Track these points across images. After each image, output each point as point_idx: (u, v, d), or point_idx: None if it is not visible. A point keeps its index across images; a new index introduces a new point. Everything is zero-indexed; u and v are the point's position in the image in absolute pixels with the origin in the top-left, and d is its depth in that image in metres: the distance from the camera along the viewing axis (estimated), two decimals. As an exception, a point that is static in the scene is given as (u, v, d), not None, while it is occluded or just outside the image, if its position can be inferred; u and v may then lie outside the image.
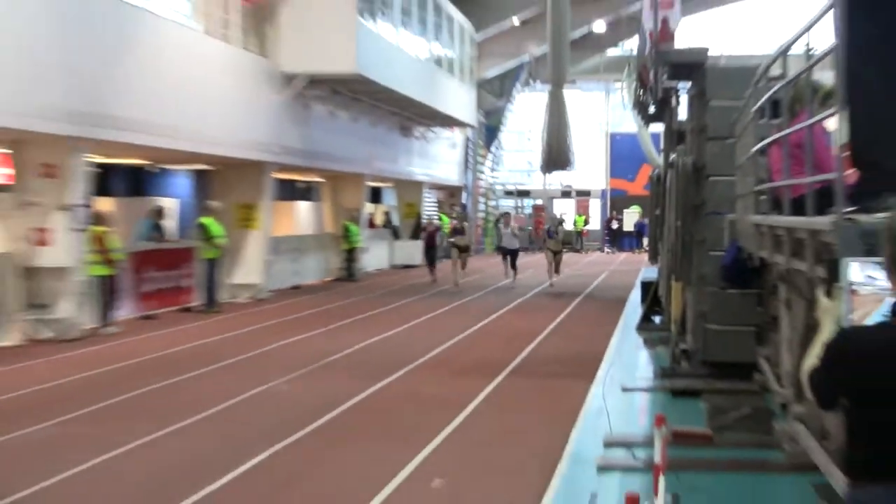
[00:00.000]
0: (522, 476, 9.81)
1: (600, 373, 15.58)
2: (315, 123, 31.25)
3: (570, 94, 29.76)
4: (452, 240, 31.28)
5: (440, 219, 48.39)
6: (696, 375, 14.32)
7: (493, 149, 58.64)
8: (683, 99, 16.98)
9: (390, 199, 47.27)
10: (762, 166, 10.57)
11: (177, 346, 18.84)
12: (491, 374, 15.65)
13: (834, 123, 6.90)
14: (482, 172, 57.25)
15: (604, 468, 10.06)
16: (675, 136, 17.36)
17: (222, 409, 13.10)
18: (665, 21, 22.60)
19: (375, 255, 39.96)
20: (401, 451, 10.72)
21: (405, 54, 34.67)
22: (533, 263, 35.54)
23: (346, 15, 28.16)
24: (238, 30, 26.20)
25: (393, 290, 31.21)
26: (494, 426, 12.29)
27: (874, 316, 5.10)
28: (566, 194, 61.15)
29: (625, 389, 14.34)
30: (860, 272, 5.74)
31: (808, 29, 7.94)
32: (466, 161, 53.49)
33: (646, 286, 21.77)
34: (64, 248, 19.34)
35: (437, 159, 48.11)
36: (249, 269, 28.09)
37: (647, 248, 37.64)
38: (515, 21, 46.96)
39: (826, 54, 7.24)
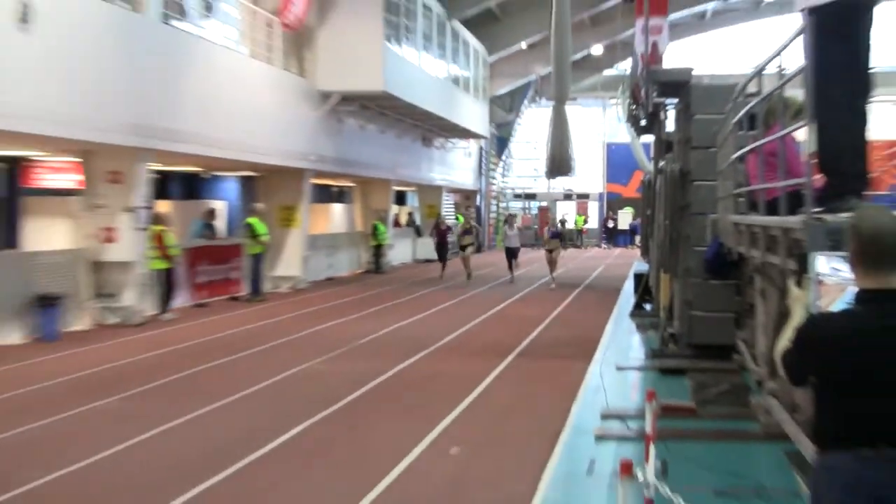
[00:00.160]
0: (529, 444, 9.81)
1: (597, 354, 15.59)
2: (347, 135, 31.26)
3: (571, 109, 29.55)
4: (462, 241, 31.06)
5: (457, 219, 48.38)
6: (682, 356, 14.31)
7: (503, 157, 58.71)
8: (671, 113, 16.93)
9: (413, 201, 47.26)
10: (740, 172, 10.55)
11: (226, 330, 18.88)
12: (501, 355, 15.65)
13: (803, 135, 6.89)
14: (494, 178, 57.25)
15: (601, 437, 10.07)
16: (664, 145, 17.32)
17: (266, 386, 13.14)
18: (655, 45, 22.56)
19: (400, 251, 39.96)
20: (423, 422, 10.72)
21: (426, 74, 34.64)
22: (537, 258, 35.36)
23: (374, 40, 28.19)
24: (280, 53, 26.20)
25: (415, 281, 31.18)
26: (505, 401, 12.29)
27: (838, 303, 5.09)
28: (568, 197, 61.12)
29: (619, 368, 14.34)
30: (826, 264, 5.72)
31: (780, 52, 7.92)
32: (480, 168, 53.45)
33: (638, 278, 21.77)
34: (128, 245, 19.40)
35: (455, 166, 48.08)
36: (289, 262, 28.12)
37: (639, 245, 37.59)
38: (523, 45, 46.91)
39: (796, 74, 7.23)
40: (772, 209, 8.46)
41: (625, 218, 59.12)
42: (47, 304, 17.42)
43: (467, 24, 40.33)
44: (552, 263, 28.63)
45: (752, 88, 9.94)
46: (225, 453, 9.40)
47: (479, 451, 9.68)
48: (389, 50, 29.16)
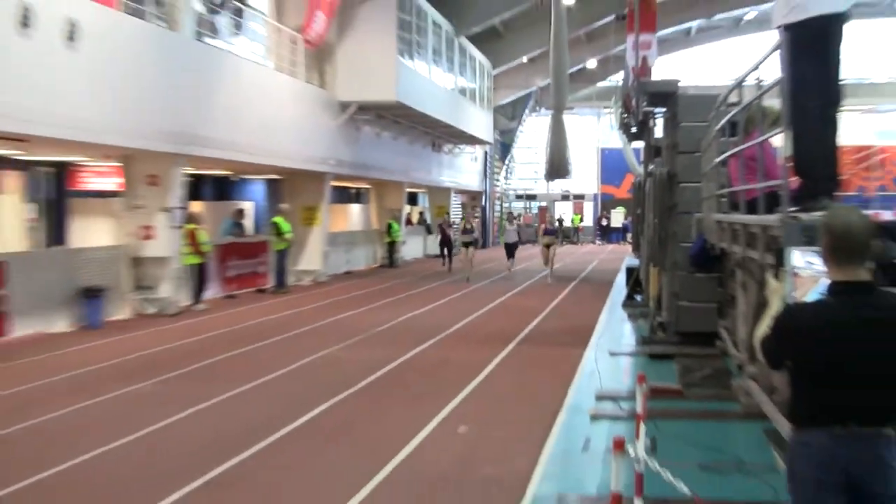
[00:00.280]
0: (530, 423, 9.82)
1: (592, 341, 15.60)
2: (364, 142, 31.25)
3: (568, 117, 29.54)
4: (463, 238, 30.65)
5: (462, 218, 48.33)
6: (669, 343, 14.31)
7: (506, 161, 58.66)
8: (659, 121, 16.92)
9: (424, 201, 47.27)
10: (723, 175, 10.55)
11: (253, 320, 18.90)
12: (504, 342, 15.66)
13: (780, 141, 6.89)
14: (498, 180, 57.19)
15: (595, 417, 10.07)
16: (653, 150, 17.29)
17: (290, 370, 13.16)
18: (644, 59, 22.54)
19: (412, 247, 39.96)
20: (432, 403, 10.74)
21: (436, 86, 34.62)
22: (537, 254, 35.31)
23: (388, 55, 28.21)
24: (302, 67, 26.21)
25: (425, 275, 31.15)
26: (508, 384, 12.29)
27: (812, 294, 5.09)
28: (565, 197, 61.07)
29: (612, 354, 14.35)
30: (801, 259, 5.72)
31: (758, 65, 7.91)
32: (485, 171, 53.41)
33: (629, 271, 21.76)
34: (164, 242, 19.43)
35: (462, 170, 48.04)
36: (311, 257, 28.14)
37: (630, 241, 37.52)
38: (524, 59, 46.84)
39: (773, 85, 7.23)
40: (751, 208, 8.46)
41: (617, 217, 59.10)
42: (92, 295, 17.49)
43: (473, 40, 40.29)
44: (549, 259, 28.35)
45: (733, 98, 9.94)
46: (254, 431, 9.43)
47: (484, 430, 9.69)
48: (402, 64, 29.16)
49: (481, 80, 43.95)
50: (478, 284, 27.24)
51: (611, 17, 38.15)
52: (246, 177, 31.31)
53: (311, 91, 26.93)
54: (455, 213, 46.65)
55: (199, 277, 20.88)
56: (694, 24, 49.58)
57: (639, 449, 5.65)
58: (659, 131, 17.10)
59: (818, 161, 7.01)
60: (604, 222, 60.38)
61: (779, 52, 6.87)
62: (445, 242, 33.00)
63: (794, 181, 6.95)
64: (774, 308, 4.43)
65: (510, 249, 30.96)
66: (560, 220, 56.15)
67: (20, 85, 14.41)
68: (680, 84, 14.99)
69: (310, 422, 10.02)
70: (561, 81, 26.30)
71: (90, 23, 15.87)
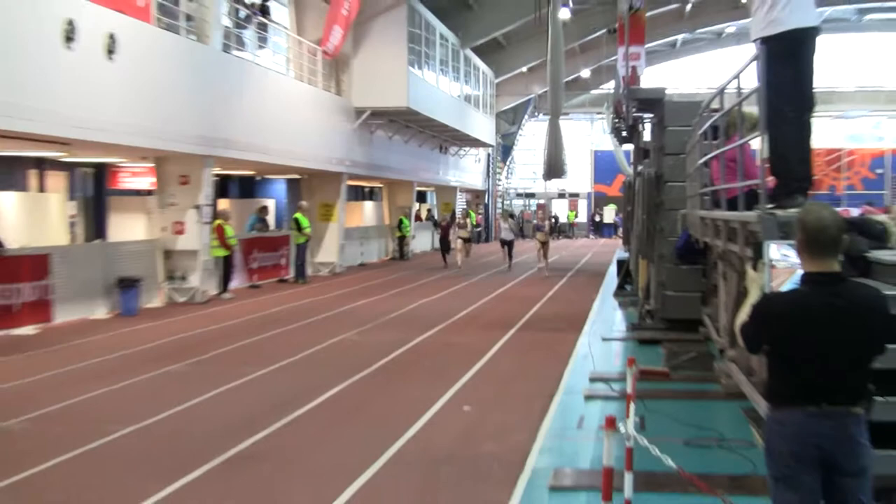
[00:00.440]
0: (529, 402, 9.82)
1: (586, 327, 15.58)
2: (377, 144, 31.24)
3: (564, 122, 29.53)
4: (460, 234, 29.78)
5: (468, 214, 48.19)
6: (657, 329, 14.32)
7: (507, 162, 58.61)
8: (647, 125, 16.90)
9: (432, 199, 47.26)
10: (706, 175, 10.53)
11: (275, 307, 18.92)
12: (505, 328, 15.66)
13: (758, 144, 6.87)
14: (499, 180, 57.13)
15: (589, 397, 10.07)
16: (642, 152, 17.28)
17: (309, 354, 13.18)
18: (634, 69, 22.49)
19: (421, 241, 39.98)
20: (440, 384, 10.75)
21: (443, 93, 34.59)
22: (533, 248, 35.24)
23: (399, 65, 28.19)
24: (321, 76, 26.19)
25: (432, 268, 31.02)
26: (509, 366, 12.30)
27: (788, 284, 5.07)
28: (561, 195, 60.88)
29: (605, 339, 14.33)
30: (778, 252, 5.71)
31: (738, 74, 7.91)
32: (488, 171, 53.37)
33: (620, 263, 21.72)
34: (194, 236, 19.43)
35: (466, 170, 48.01)
36: (328, 250, 28.13)
37: (621, 236, 37.47)
38: (524, 69, 46.80)
39: (752, 93, 7.21)
40: (732, 206, 8.45)
41: (609, 213, 58.91)
42: (128, 285, 17.51)
43: (477, 51, 40.24)
44: (543, 254, 27.63)
45: (715, 105, 9.93)
46: (277, 408, 9.45)
47: (487, 408, 9.70)
48: (412, 73, 29.14)
49: (484, 87, 43.91)
50: (479, 276, 27.21)
51: (603, 31, 38.16)
52: (269, 176, 31.35)
53: (328, 98, 26.92)
54: (460, 210, 46.64)
55: (225, 269, 20.88)
56: (679, 37, 49.55)
57: (629, 426, 5.64)
58: (647, 135, 17.10)
59: (793, 162, 7.00)
60: (596, 218, 60.27)
61: (756, 62, 6.86)
62: (444, 239, 32.48)
63: (771, 181, 6.94)
64: (753, 297, 4.43)
65: (507, 246, 30.17)
66: (555, 218, 56.05)
67: (65, 93, 14.44)
68: (666, 92, 15.02)
69: (328, 400, 10.04)
70: (557, 89, 26.27)
71: (128, 37, 15.88)
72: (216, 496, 6.71)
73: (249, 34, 23.12)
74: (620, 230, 41.43)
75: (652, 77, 38.06)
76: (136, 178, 24.71)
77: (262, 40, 24.11)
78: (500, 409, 9.67)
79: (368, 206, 39.29)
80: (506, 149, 56.94)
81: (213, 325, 16.18)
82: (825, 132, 48.48)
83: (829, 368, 3.91)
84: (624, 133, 19.79)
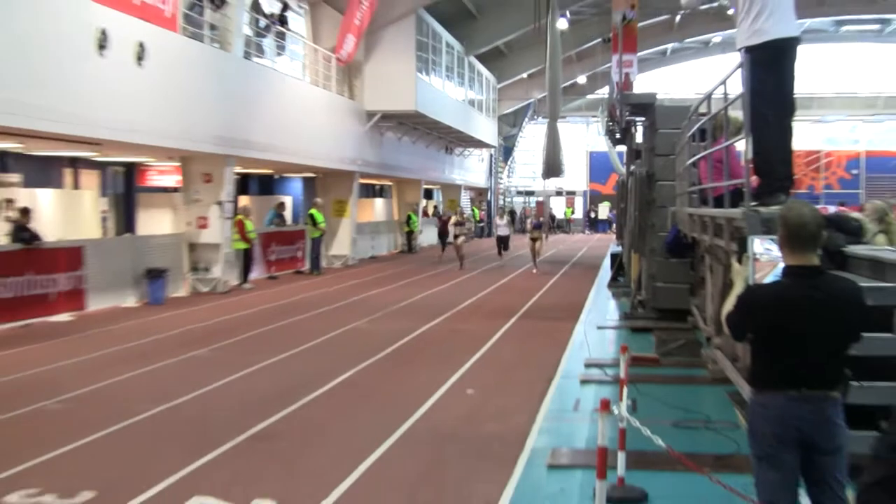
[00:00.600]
0: (529, 386, 9.84)
1: (582, 316, 15.59)
2: (387, 145, 31.23)
3: (561, 125, 29.48)
4: (457, 230, 27.91)
5: (472, 211, 48.25)
6: (648, 318, 14.30)
7: (508, 162, 58.57)
8: (639, 128, 16.88)
9: (438, 196, 47.24)
10: (694, 174, 10.53)
11: (292, 297, 18.95)
12: (506, 317, 15.68)
13: (743, 145, 6.88)
14: (501, 178, 57.11)
15: (585, 381, 10.08)
16: (634, 153, 17.26)
17: (325, 340, 13.21)
18: (627, 75, 22.50)
19: (428, 235, 39.85)
20: (445, 369, 10.77)
21: (449, 98, 34.55)
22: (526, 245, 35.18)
23: (408, 71, 28.16)
24: (334, 81, 26.18)
25: (438, 260, 31.07)
26: (510, 352, 12.32)
27: (770, 276, 5.09)
28: (559, 193, 60.68)
29: (599, 327, 14.34)
30: (761, 246, 5.72)
31: (724, 81, 7.90)
32: (490, 170, 53.32)
33: (614, 257, 21.71)
34: (217, 230, 19.47)
35: (470, 169, 47.98)
36: (341, 244, 28.14)
37: (614, 231, 37.43)
38: (524, 75, 46.71)
39: (737, 98, 7.22)
40: (718, 203, 8.46)
41: (603, 210, 58.84)
42: (155, 275, 17.55)
43: (481, 58, 40.17)
44: (535, 251, 26.26)
45: (702, 109, 9.92)
46: (294, 391, 9.48)
47: (489, 392, 9.72)
48: (420, 79, 29.11)
49: (487, 92, 43.85)
50: (483, 268, 27.20)
51: (598, 40, 38.13)
52: (286, 175, 31.38)
53: (341, 102, 26.91)
54: (465, 207, 46.63)
55: (246, 261, 20.92)
56: (669, 46, 49.39)
57: (622, 409, 5.66)
58: (639, 137, 17.07)
59: (775, 163, 7.01)
60: (592, 215, 60.12)
61: (741, 69, 6.86)
62: (443, 235, 31.86)
63: (755, 180, 6.95)
64: (738, 288, 4.45)
65: (502, 242, 29.22)
66: (552, 217, 55.99)
67: (97, 98, 14.48)
68: (657, 97, 14.97)
69: (342, 383, 10.07)
70: (555, 94, 26.25)
71: (156, 45, 15.90)
72: (239, 471, 6.75)
73: (269, 42, 23.11)
74: (614, 226, 41.47)
75: (644, 83, 38.08)
76: (163, 176, 24.75)
77: (281, 48, 24.10)
78: (501, 392, 9.69)
79: (379, 202, 39.29)
80: (507, 149, 56.90)
81: (234, 313, 16.22)
82: (805, 135, 48.43)
83: (809, 355, 3.93)
84: (617, 135, 19.82)
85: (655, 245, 14.06)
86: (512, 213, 54.25)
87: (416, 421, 8.30)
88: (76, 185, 22.04)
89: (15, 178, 18.56)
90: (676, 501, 5.95)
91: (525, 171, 60.71)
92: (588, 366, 10.89)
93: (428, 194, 45.58)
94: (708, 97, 9.32)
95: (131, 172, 24.35)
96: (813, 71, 46.85)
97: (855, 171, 53.70)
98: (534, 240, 26.17)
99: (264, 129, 20.93)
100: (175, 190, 21.68)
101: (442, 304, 17.59)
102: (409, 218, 35.42)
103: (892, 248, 6.92)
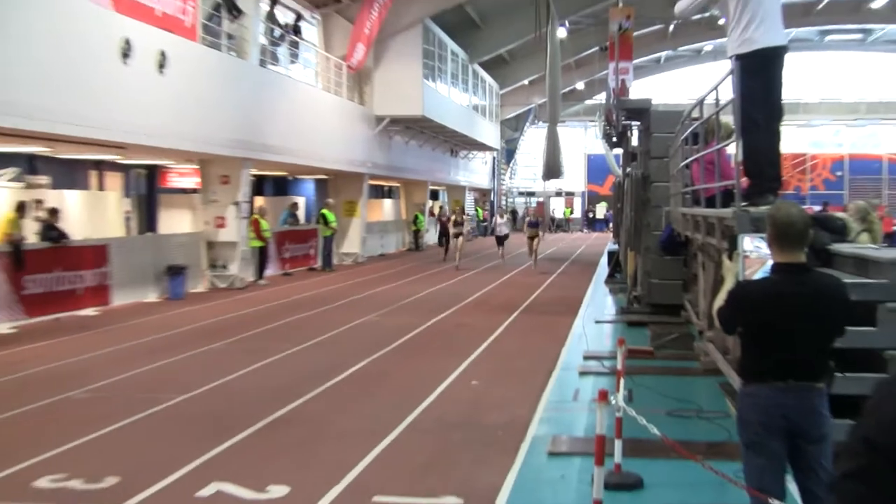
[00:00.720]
0: (530, 377, 9.84)
1: (581, 311, 15.59)
2: (395, 148, 31.25)
3: (561, 129, 29.41)
4: (455, 230, 27.38)
5: (476, 211, 48.25)
6: (643, 312, 14.29)
7: (510, 164, 58.53)
8: (635, 132, 16.86)
9: (444, 197, 47.21)
10: (687, 176, 10.53)
11: (305, 293, 18.97)
12: (508, 311, 15.68)
13: (733, 148, 6.88)
14: (503, 180, 57.09)
15: (583, 373, 10.08)
16: (630, 156, 17.23)
17: (336, 333, 13.23)
18: (623, 82, 22.47)
19: (434, 234, 39.87)
20: (451, 360, 10.78)
21: (453, 103, 34.54)
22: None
23: (415, 78, 28.18)
24: (345, 88, 26.19)
25: (443, 258, 31.00)
26: (512, 345, 12.32)
27: (759, 273, 5.09)
28: (559, 194, 60.66)
29: (597, 321, 14.33)
30: (751, 244, 5.72)
31: (715, 87, 7.91)
32: (493, 172, 53.30)
33: (611, 254, 21.71)
34: (234, 229, 19.49)
35: (474, 171, 47.96)
36: (352, 242, 28.18)
37: (611, 230, 37.38)
38: (526, 82, 46.65)
39: (727, 104, 7.21)
40: (710, 203, 8.45)
41: (601, 210, 58.79)
42: (176, 272, 17.59)
43: (484, 66, 40.14)
44: (532, 250, 25.51)
45: (695, 114, 9.92)
46: (309, 380, 9.50)
47: (492, 382, 9.73)
48: (427, 85, 29.11)
49: (490, 98, 43.82)
50: (484, 266, 27.17)
51: (595, 48, 38.05)
52: (299, 177, 31.38)
53: (352, 107, 26.92)
54: (468, 207, 46.62)
55: (261, 258, 20.95)
56: (663, 54, 49.38)
57: (618, 399, 5.67)
58: (635, 140, 17.05)
59: (764, 165, 7.01)
60: (590, 214, 60.07)
61: (732, 76, 6.86)
62: (444, 234, 31.33)
63: (745, 181, 6.95)
64: (729, 284, 4.45)
65: (501, 241, 27.94)
66: (552, 218, 56.01)
67: (121, 104, 14.51)
68: (652, 102, 14.96)
69: (354, 374, 10.09)
70: (555, 99, 26.25)
71: (176, 54, 15.93)
72: (255, 457, 6.77)
73: (283, 51, 23.14)
74: (611, 225, 41.43)
75: (639, 89, 37.89)
76: (182, 178, 24.78)
77: (294, 56, 24.12)
78: (504, 383, 9.70)
79: (387, 203, 39.30)
80: (509, 152, 56.86)
81: (250, 307, 16.24)
82: (792, 139, 48.37)
83: (796, 349, 3.93)
84: (614, 139, 19.77)
85: (650, 243, 14.05)
86: (514, 212, 54.25)
87: (424, 409, 8.31)
88: (101, 187, 22.08)
89: (44, 180, 18.60)
90: (670, 487, 5.96)
91: (526, 172, 60.64)
92: (586, 358, 10.88)
93: (434, 195, 45.54)
94: (700, 102, 9.31)
95: (153, 174, 24.39)
96: (799, 78, 46.89)
97: (839, 173, 53.79)
98: (531, 238, 25.61)
99: (279, 133, 20.95)
100: (194, 191, 21.70)
101: (447, 299, 17.59)
102: (416, 217, 35.46)
103: (874, 246, 6.91)
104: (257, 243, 20.63)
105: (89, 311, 15.20)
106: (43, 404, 8.54)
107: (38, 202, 15.98)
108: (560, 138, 26.76)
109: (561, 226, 58.39)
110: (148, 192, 24.40)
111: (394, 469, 6.50)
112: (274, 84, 21.23)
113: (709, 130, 8.83)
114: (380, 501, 5.77)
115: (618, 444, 6.01)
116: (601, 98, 40.67)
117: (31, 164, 18.54)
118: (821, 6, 40.43)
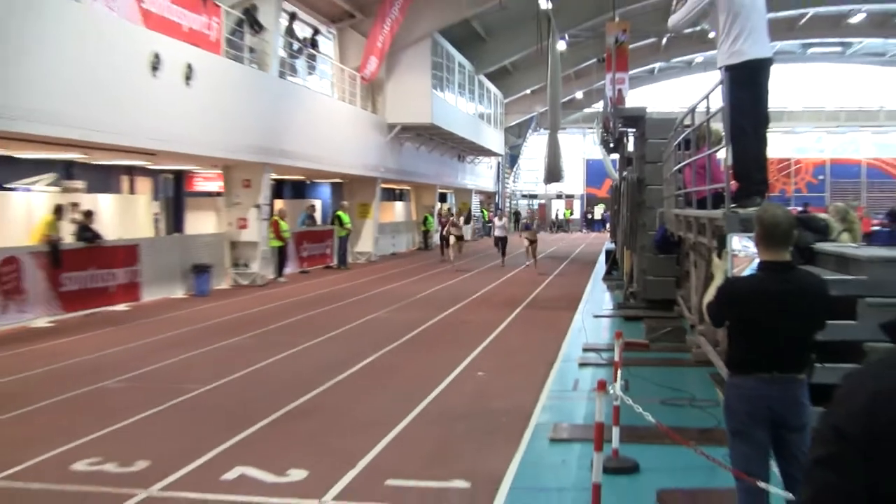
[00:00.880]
0: (532, 369, 9.85)
1: (580, 306, 15.57)
2: (406, 154, 31.24)
3: (561, 135, 29.37)
4: (454, 232, 26.34)
5: (482, 213, 48.21)
6: (639, 307, 14.28)
7: (514, 169, 58.47)
8: (631, 138, 16.84)
9: (452, 199, 47.16)
10: (679, 179, 10.52)
11: (321, 289, 18.99)
12: (511, 307, 15.67)
13: (723, 154, 6.88)
14: (508, 183, 57.04)
15: (583, 365, 10.09)
16: (626, 161, 17.22)
17: (350, 328, 13.25)
18: (619, 91, 22.42)
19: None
20: (457, 353, 10.79)
21: (461, 111, 34.53)
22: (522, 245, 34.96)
23: (425, 88, 28.17)
24: (359, 97, 26.22)
25: (447, 260, 30.88)
26: (515, 339, 12.32)
27: (747, 270, 5.09)
28: (559, 197, 60.57)
29: (595, 316, 14.33)
30: (739, 243, 5.72)
31: (706, 96, 7.90)
32: (498, 176, 53.22)
33: (608, 253, 21.68)
34: (255, 230, 19.53)
35: (480, 175, 47.90)
36: (365, 242, 28.20)
37: (608, 230, 37.33)
38: (528, 91, 46.59)
39: (717, 111, 7.21)
40: (701, 205, 8.45)
41: (599, 211, 58.67)
42: (201, 270, 17.64)
43: (489, 76, 40.11)
44: (530, 252, 24.21)
45: (687, 121, 9.91)
46: (324, 372, 9.52)
47: (497, 374, 9.73)
48: (435, 95, 29.11)
49: (495, 107, 43.79)
50: (487, 265, 27.13)
51: (594, 60, 38.05)
52: (316, 181, 31.38)
53: (365, 115, 26.94)
54: (474, 209, 46.57)
55: (280, 257, 20.98)
56: (656, 65, 49.39)
57: (616, 389, 5.67)
58: (631, 146, 17.03)
59: (752, 169, 7.00)
60: (588, 216, 59.99)
61: (721, 86, 6.86)
62: (445, 236, 30.66)
63: (734, 184, 6.94)
64: (718, 280, 4.45)
65: (500, 242, 26.97)
66: (553, 221, 55.98)
67: (150, 114, 14.58)
68: (646, 110, 14.95)
69: (366, 366, 10.11)
70: (556, 108, 26.23)
71: (202, 67, 15.98)
72: (276, 444, 6.80)
73: (301, 63, 23.16)
74: (608, 225, 41.37)
75: (634, 98, 37.86)
76: (207, 182, 24.82)
77: (312, 68, 24.16)
78: (508, 374, 9.71)
79: (399, 205, 39.30)
80: (513, 157, 56.82)
81: (270, 303, 16.28)
82: (777, 145, 48.31)
83: (780, 342, 3.93)
84: (611, 144, 19.72)
85: (645, 242, 14.04)
86: (517, 213, 54.19)
87: (433, 399, 8.33)
88: (132, 191, 22.14)
89: (79, 184, 18.66)
90: (665, 471, 5.96)
91: (529, 176, 60.54)
92: (586, 350, 10.88)
93: (442, 198, 45.49)
94: (692, 111, 9.30)
95: (180, 179, 24.42)
96: (784, 88, 46.83)
97: (821, 177, 53.87)
98: (531, 242, 24.18)
99: (297, 140, 20.98)
100: (218, 194, 21.73)
101: (453, 296, 17.59)
102: (425, 219, 35.45)
103: (854, 245, 6.90)
104: (277, 243, 20.67)
105: (121, 307, 15.26)
106: (80, 393, 8.59)
107: (74, 205, 16.03)
108: (560, 144, 26.73)
109: (561, 226, 58.38)
110: (175, 195, 24.44)
111: (405, 455, 6.51)
112: (293, 94, 21.26)
113: (700, 137, 8.83)
114: (393, 485, 5.79)
115: (615, 431, 6.02)
116: (599, 106, 40.58)
117: (67, 170, 18.61)
118: (803, 21, 40.49)
